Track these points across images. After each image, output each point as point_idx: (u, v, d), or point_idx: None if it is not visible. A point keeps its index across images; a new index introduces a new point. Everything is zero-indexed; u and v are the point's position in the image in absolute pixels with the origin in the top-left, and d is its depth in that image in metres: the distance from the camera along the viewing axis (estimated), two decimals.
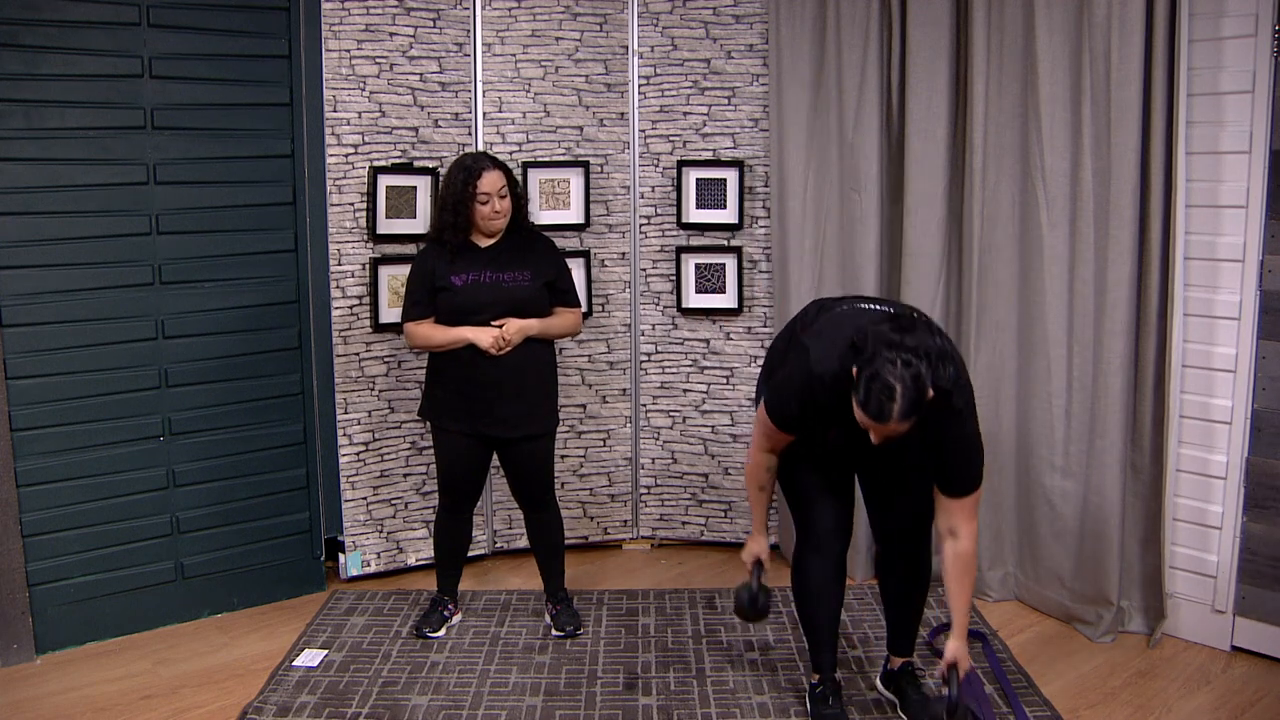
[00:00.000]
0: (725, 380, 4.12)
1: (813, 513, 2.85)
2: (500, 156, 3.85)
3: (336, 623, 3.57)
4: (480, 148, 3.92)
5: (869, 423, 2.44)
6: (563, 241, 3.96)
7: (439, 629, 3.47)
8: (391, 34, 3.75)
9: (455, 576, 3.57)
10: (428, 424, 3.49)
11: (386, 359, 3.88)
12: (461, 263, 3.27)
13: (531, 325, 3.27)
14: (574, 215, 4.03)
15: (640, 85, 4.06)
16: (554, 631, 3.46)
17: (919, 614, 2.98)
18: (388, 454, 3.93)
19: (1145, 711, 3.02)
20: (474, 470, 3.39)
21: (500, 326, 3.22)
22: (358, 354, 3.83)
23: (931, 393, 2.40)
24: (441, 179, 3.34)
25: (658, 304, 4.14)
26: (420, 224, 3.79)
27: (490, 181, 3.21)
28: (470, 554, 3.70)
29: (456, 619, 3.56)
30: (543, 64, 3.97)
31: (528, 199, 3.57)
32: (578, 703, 3.05)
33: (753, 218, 4.04)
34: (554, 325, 3.35)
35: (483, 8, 3.90)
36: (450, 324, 3.26)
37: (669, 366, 4.17)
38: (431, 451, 3.59)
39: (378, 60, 3.74)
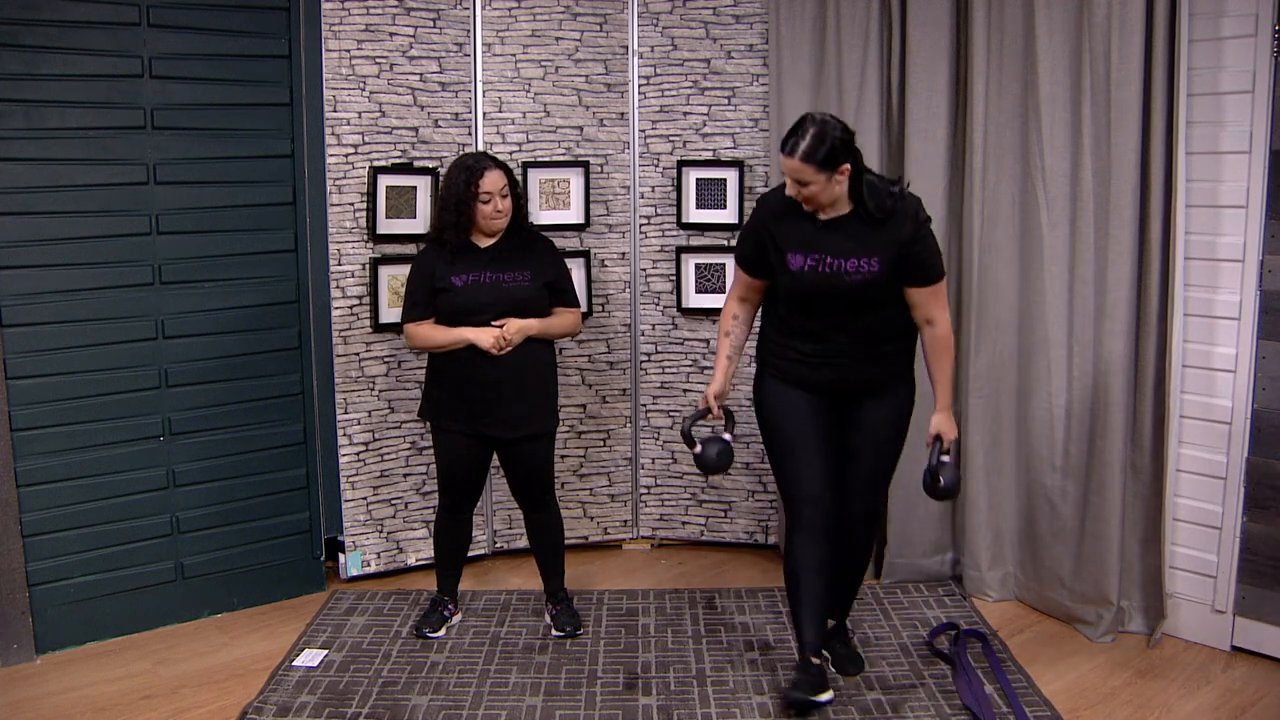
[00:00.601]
0: None
1: (800, 489, 2.97)
2: (500, 156, 3.84)
3: (336, 623, 3.57)
4: (480, 148, 3.92)
5: (782, 161, 2.78)
6: (563, 241, 3.96)
7: (439, 629, 3.47)
8: (391, 34, 3.75)
9: (455, 576, 3.57)
10: (427, 424, 3.49)
11: (386, 359, 3.88)
12: (462, 263, 3.27)
13: (532, 325, 3.27)
14: (574, 215, 4.03)
15: (640, 85, 4.06)
16: (554, 631, 3.46)
17: (858, 586, 3.25)
18: (388, 454, 3.93)
19: (1145, 711, 3.02)
20: (474, 470, 3.39)
21: (500, 326, 3.23)
22: (358, 354, 3.83)
23: (848, 167, 2.77)
24: (442, 179, 3.34)
25: (658, 304, 4.14)
26: (420, 224, 3.79)
27: (492, 181, 3.22)
28: (470, 554, 3.70)
29: (456, 619, 3.56)
30: (543, 64, 3.97)
31: (526, 199, 3.57)
32: (578, 703, 3.05)
33: None
34: (554, 325, 3.35)
35: (483, 8, 3.90)
36: (451, 324, 3.26)
37: (669, 366, 4.17)
38: (431, 451, 3.59)
39: (378, 60, 3.74)
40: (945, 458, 2.94)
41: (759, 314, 3.13)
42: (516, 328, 3.24)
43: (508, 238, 3.32)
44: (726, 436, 3.04)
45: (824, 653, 3.11)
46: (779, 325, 3.01)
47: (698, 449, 3.02)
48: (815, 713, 2.96)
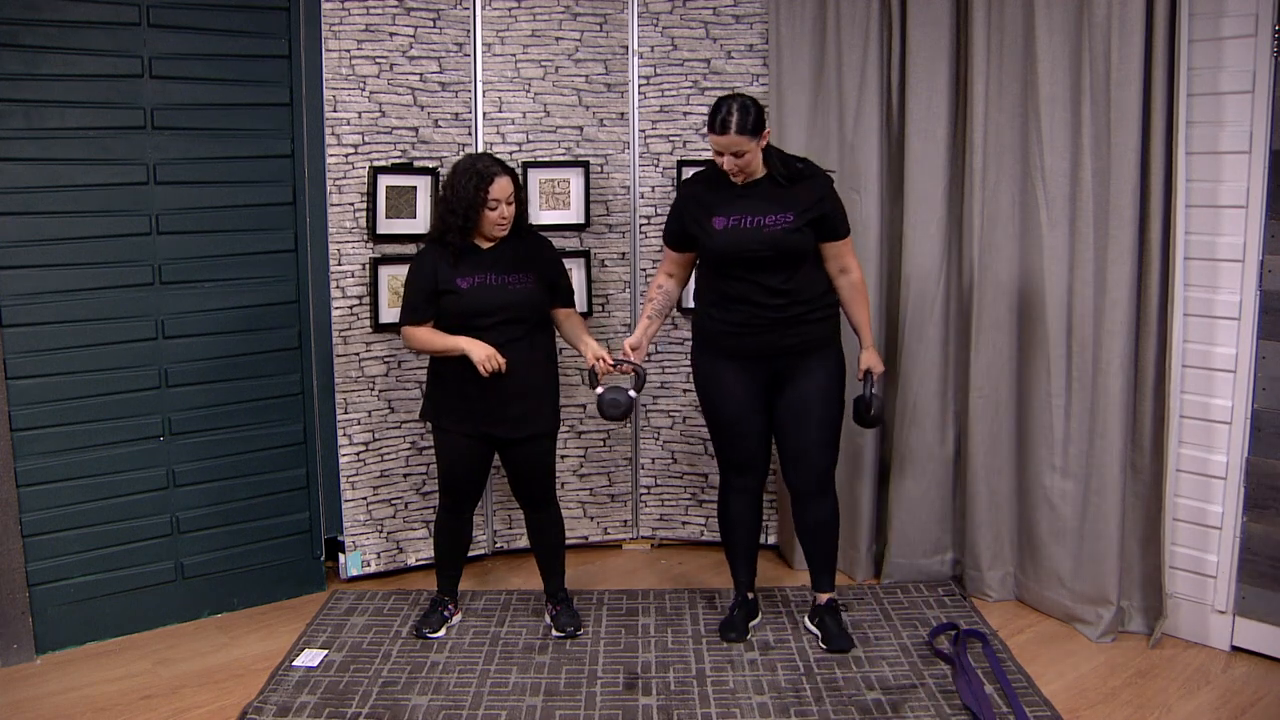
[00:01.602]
0: None
1: (731, 456, 3.39)
2: (500, 156, 3.85)
3: (336, 623, 3.57)
4: (480, 148, 3.92)
5: (716, 141, 3.09)
6: (562, 241, 3.97)
7: (439, 629, 3.47)
8: (391, 34, 3.75)
9: (455, 577, 3.57)
10: (428, 425, 3.49)
11: (386, 359, 3.88)
12: (465, 265, 3.27)
13: (592, 342, 3.32)
14: (574, 215, 4.03)
15: (640, 85, 4.06)
16: (554, 632, 3.46)
17: (834, 552, 3.47)
18: (388, 454, 3.93)
19: (1145, 711, 3.02)
20: (475, 471, 3.39)
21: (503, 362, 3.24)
22: (358, 354, 3.83)
23: (769, 131, 3.14)
24: (447, 179, 3.33)
25: None
26: (420, 224, 3.79)
27: (501, 188, 3.21)
28: (470, 554, 3.70)
29: (456, 619, 3.56)
30: (543, 64, 3.97)
31: (526, 201, 3.56)
32: (578, 703, 3.05)
33: None
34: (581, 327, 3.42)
35: (483, 8, 3.90)
36: (456, 326, 3.26)
37: (669, 366, 4.17)
38: (432, 452, 3.59)
39: (378, 60, 3.74)
40: (875, 390, 3.34)
41: (695, 298, 3.45)
42: (598, 352, 3.27)
43: (508, 239, 3.32)
44: (632, 393, 3.24)
45: (814, 629, 3.45)
46: (709, 299, 3.30)
47: (599, 390, 3.24)
48: (751, 636, 3.44)
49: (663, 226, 4.09)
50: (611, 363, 3.24)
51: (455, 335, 3.23)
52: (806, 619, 3.49)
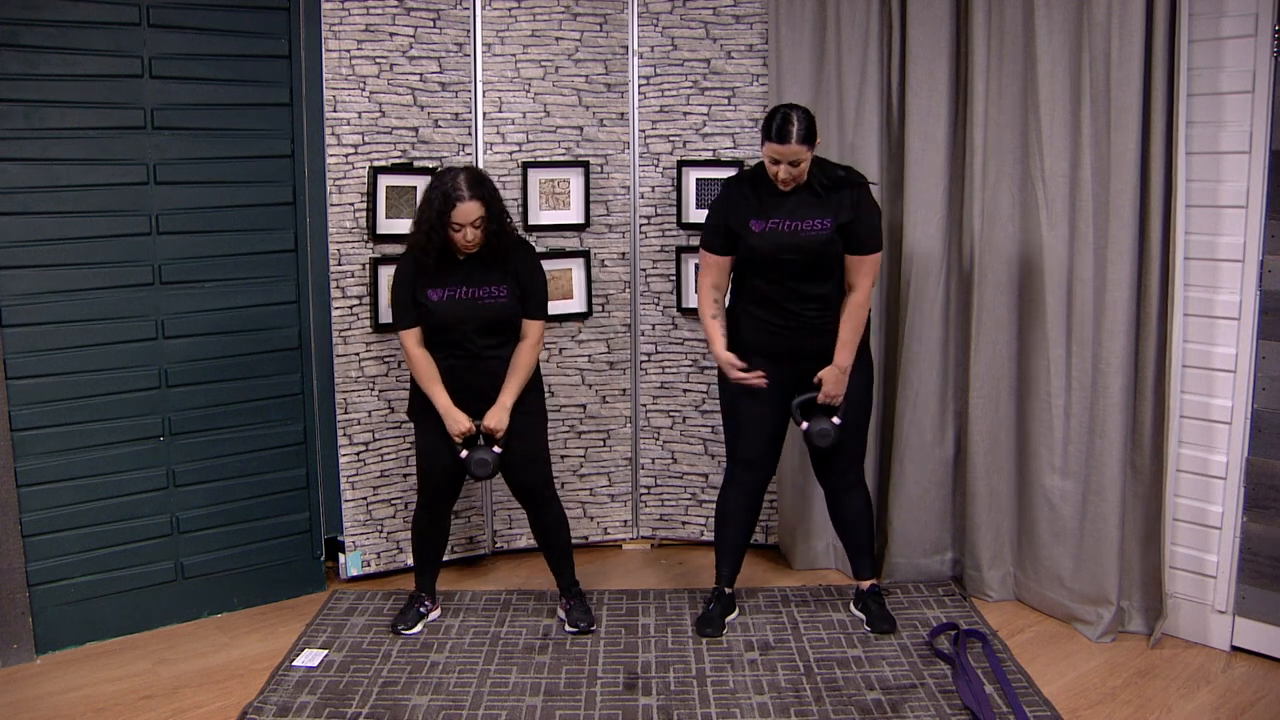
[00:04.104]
0: None
1: (740, 452, 3.45)
2: (500, 156, 3.85)
3: (336, 623, 3.57)
4: (480, 148, 3.92)
5: (776, 150, 3.12)
6: (562, 241, 3.97)
7: (414, 625, 3.47)
8: (391, 34, 3.75)
9: (433, 574, 3.57)
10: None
11: (386, 359, 3.88)
12: (438, 276, 3.26)
13: (509, 402, 3.32)
14: (574, 215, 4.03)
15: (640, 85, 4.06)
16: (567, 627, 3.47)
17: (872, 539, 3.59)
18: (388, 454, 3.93)
19: (1145, 711, 3.02)
20: (453, 470, 3.40)
21: (479, 428, 3.32)
22: (358, 354, 3.83)
23: (818, 143, 3.18)
24: (424, 189, 3.30)
25: (658, 304, 4.14)
26: None
27: (464, 213, 3.17)
28: (470, 554, 3.71)
29: (434, 615, 3.56)
30: (543, 64, 3.97)
31: (518, 211, 3.49)
32: (578, 703, 3.05)
33: None
34: (527, 372, 3.35)
35: (483, 8, 3.90)
36: (433, 339, 3.30)
37: (669, 366, 4.17)
38: None
39: (378, 60, 3.74)
40: (835, 419, 3.32)
41: (733, 296, 3.44)
42: (497, 419, 3.29)
43: (486, 249, 3.29)
44: (496, 450, 3.33)
45: (858, 613, 3.56)
46: (748, 297, 3.35)
47: (462, 454, 3.33)
48: (726, 629, 3.48)
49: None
50: (465, 430, 3.29)
51: (443, 393, 3.29)
52: (851, 605, 3.60)
